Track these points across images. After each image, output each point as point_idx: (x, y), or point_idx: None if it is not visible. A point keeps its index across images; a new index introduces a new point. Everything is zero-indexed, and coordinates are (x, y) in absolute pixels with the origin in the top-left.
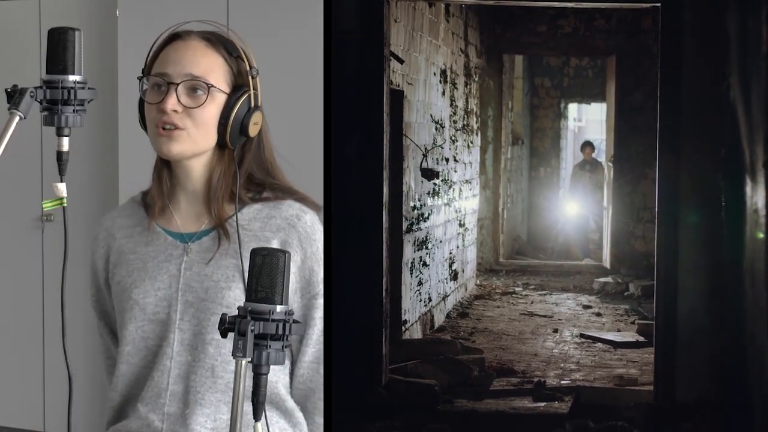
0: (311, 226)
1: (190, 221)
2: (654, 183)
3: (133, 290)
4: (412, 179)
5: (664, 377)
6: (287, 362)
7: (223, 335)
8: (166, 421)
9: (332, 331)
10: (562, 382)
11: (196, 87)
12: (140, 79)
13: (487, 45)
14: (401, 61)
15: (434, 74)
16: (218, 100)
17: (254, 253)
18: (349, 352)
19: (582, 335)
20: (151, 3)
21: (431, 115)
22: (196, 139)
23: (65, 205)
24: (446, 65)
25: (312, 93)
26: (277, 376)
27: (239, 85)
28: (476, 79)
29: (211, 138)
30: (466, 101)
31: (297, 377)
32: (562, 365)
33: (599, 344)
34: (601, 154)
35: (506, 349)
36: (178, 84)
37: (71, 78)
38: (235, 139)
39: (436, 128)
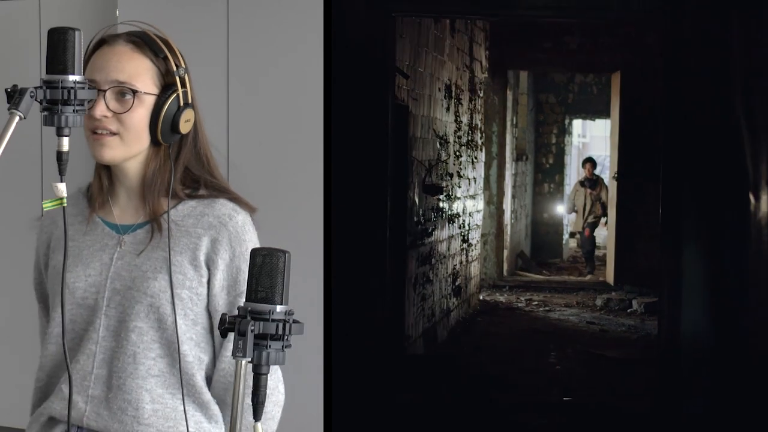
0: (242, 226)
1: (128, 214)
2: (658, 199)
3: (65, 274)
4: (416, 194)
5: (667, 394)
6: (205, 357)
7: (223, 335)
8: (90, 402)
9: (333, 346)
10: (565, 398)
11: (124, 92)
12: None
13: (492, 61)
14: (406, 77)
15: (439, 90)
16: (147, 102)
17: (254, 253)
18: (352, 367)
19: (585, 351)
20: (151, 3)
21: (435, 131)
22: (128, 143)
23: (65, 205)
24: (451, 81)
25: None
26: (195, 369)
27: (169, 84)
28: (481, 94)
29: (143, 140)
30: (471, 117)
31: (218, 371)
32: (564, 381)
33: (602, 360)
34: (606, 170)
35: (509, 365)
36: (105, 90)
37: (71, 78)
38: (167, 137)
39: (441, 144)
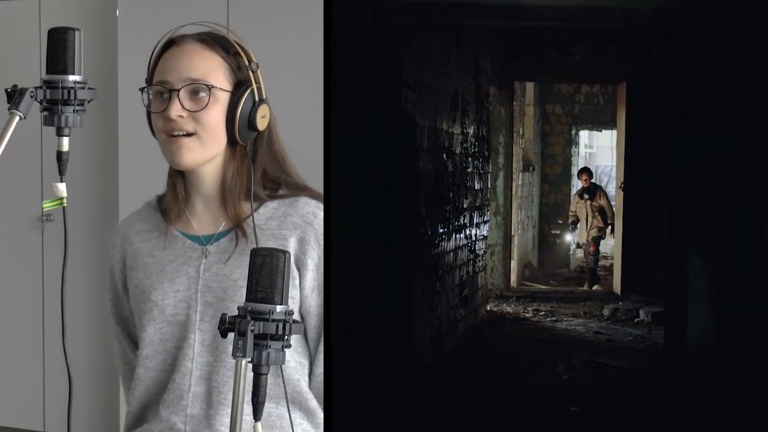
0: None
1: (208, 224)
2: (665, 209)
3: (152, 292)
4: (422, 206)
5: (673, 403)
6: (306, 361)
7: (223, 335)
8: (189, 422)
9: (336, 361)
10: (572, 408)
11: (198, 90)
12: (142, 90)
13: (498, 72)
14: (412, 89)
15: (445, 102)
16: (222, 100)
17: (254, 253)
18: (358, 380)
19: (592, 361)
20: (151, 3)
21: (442, 142)
22: (206, 143)
23: (65, 205)
24: (457, 93)
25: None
26: (300, 374)
27: (241, 81)
28: (487, 106)
29: (221, 140)
30: (477, 128)
31: (315, 376)
32: (572, 391)
33: (609, 370)
34: (612, 181)
35: (516, 376)
36: (179, 89)
37: (71, 78)
38: (245, 135)
39: (447, 155)
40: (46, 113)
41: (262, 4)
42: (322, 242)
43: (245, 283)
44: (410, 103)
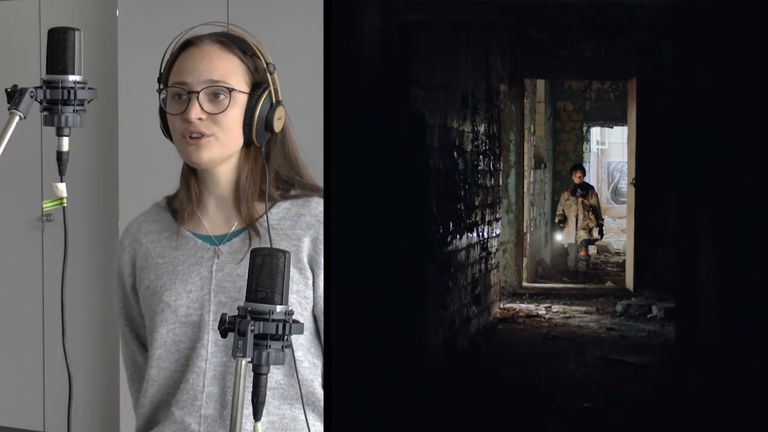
0: None
1: (220, 224)
2: (676, 205)
3: (164, 293)
4: (433, 204)
5: (685, 400)
6: (319, 362)
7: (223, 335)
8: (203, 423)
9: (346, 362)
10: (585, 404)
11: (218, 92)
12: (159, 91)
13: (509, 70)
14: (422, 88)
15: (455, 99)
16: (240, 101)
17: (254, 253)
18: (368, 380)
19: (605, 358)
20: (151, 3)
21: (452, 140)
22: (224, 144)
23: (65, 205)
24: (467, 90)
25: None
26: (313, 375)
27: (258, 82)
28: (498, 103)
29: (237, 140)
30: (488, 126)
31: None
32: (584, 388)
33: (622, 367)
34: (625, 177)
35: (529, 373)
36: (198, 92)
37: (71, 78)
38: (261, 137)
39: (458, 153)
40: (46, 113)
41: (262, 4)
42: None
43: None
44: (420, 101)
